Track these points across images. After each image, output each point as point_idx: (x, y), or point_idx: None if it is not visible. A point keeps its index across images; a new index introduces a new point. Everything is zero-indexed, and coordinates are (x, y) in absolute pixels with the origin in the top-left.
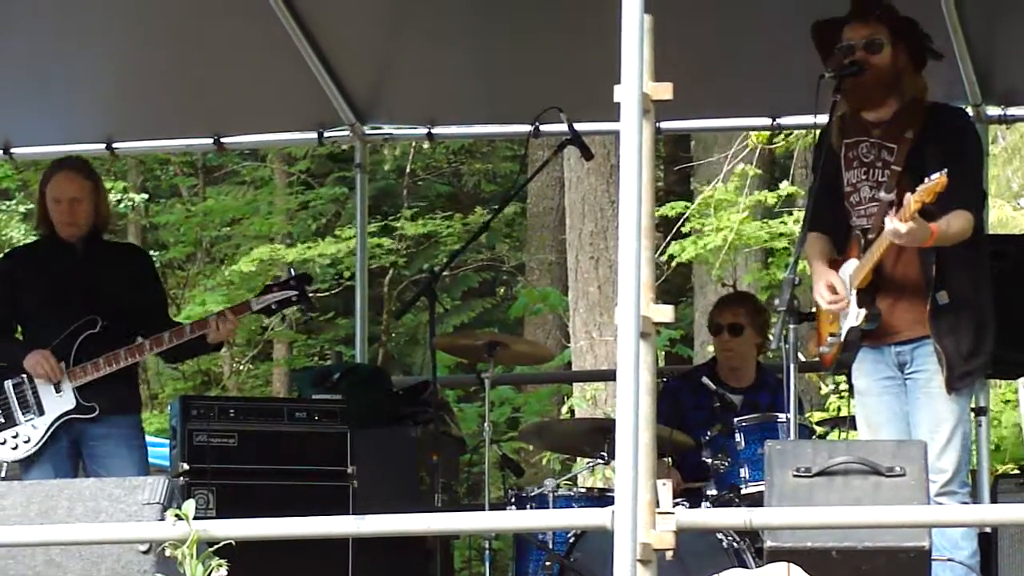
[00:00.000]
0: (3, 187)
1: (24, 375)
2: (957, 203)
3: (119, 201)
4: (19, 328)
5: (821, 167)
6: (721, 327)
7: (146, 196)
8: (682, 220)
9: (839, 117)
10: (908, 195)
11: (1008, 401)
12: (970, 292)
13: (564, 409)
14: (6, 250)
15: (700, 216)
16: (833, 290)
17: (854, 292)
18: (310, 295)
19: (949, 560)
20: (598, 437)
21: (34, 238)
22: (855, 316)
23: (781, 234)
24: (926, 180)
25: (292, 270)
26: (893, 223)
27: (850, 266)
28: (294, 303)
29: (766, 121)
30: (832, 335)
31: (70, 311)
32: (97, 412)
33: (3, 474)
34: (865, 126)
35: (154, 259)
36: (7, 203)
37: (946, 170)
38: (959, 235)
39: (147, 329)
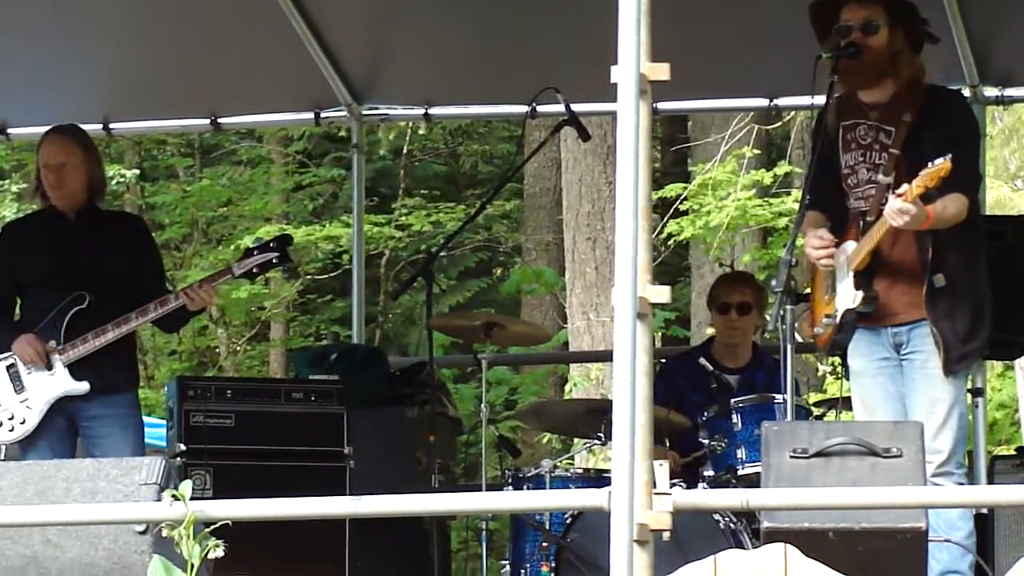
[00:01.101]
0: None
1: (16, 356)
2: (954, 186)
3: (111, 178)
4: (19, 302)
5: (819, 148)
6: (729, 306)
7: (138, 171)
8: (680, 199)
9: (836, 99)
10: (906, 185)
11: (1002, 375)
12: (967, 274)
13: (567, 388)
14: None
15: (698, 195)
16: (820, 238)
17: (851, 274)
18: (291, 255)
19: (946, 541)
20: (595, 418)
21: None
22: (852, 298)
23: (781, 214)
24: (930, 165)
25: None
26: (897, 202)
27: (848, 248)
28: (275, 265)
29: (763, 102)
30: (827, 316)
31: (64, 286)
32: (90, 390)
33: (2, 456)
34: (862, 108)
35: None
36: (2, 183)
37: (950, 156)
38: (955, 218)
39: (144, 297)
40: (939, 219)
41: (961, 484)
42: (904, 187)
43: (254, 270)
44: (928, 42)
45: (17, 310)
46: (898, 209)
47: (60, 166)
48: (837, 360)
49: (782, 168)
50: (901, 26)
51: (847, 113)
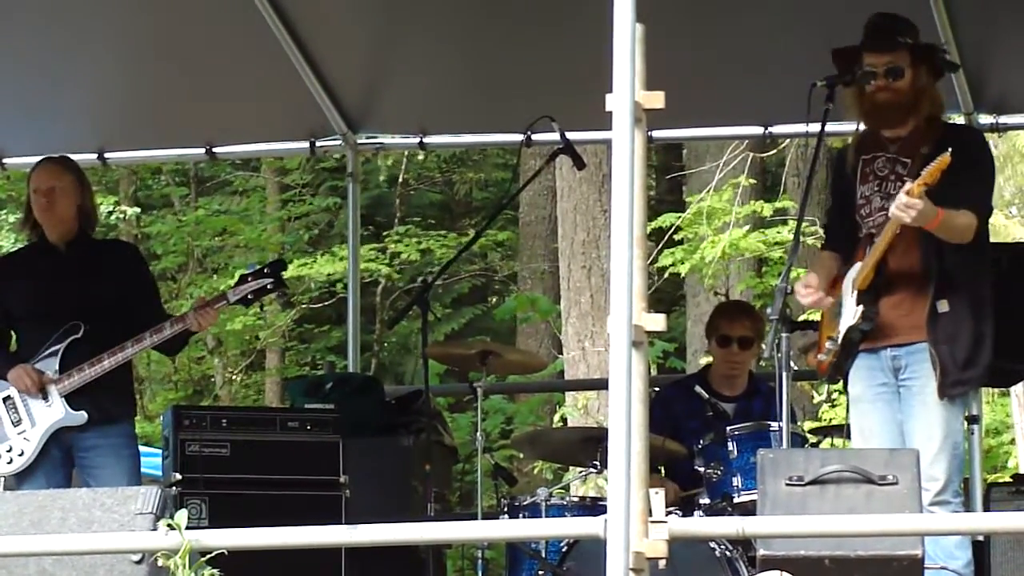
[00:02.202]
0: None
1: (12, 388)
2: (966, 204)
3: (110, 213)
4: (15, 335)
5: (835, 187)
6: (730, 339)
7: (139, 209)
8: (673, 229)
9: (858, 136)
10: (910, 183)
11: (992, 402)
12: (971, 302)
13: (556, 418)
14: None
15: (693, 225)
16: (806, 285)
17: (855, 293)
18: (285, 281)
19: (942, 568)
20: (590, 446)
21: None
22: (852, 315)
23: (776, 243)
24: (931, 164)
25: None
26: (903, 197)
27: (855, 269)
28: (270, 291)
29: (758, 130)
30: (830, 339)
31: (58, 317)
32: (87, 420)
33: (0, 488)
34: (883, 142)
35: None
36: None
37: (950, 150)
38: (962, 231)
39: (141, 323)
40: (947, 224)
41: (958, 512)
42: (908, 184)
43: (249, 296)
44: (949, 71)
45: (13, 343)
46: (905, 203)
47: (49, 190)
48: (834, 388)
49: (783, 201)
50: (924, 63)
51: (867, 148)
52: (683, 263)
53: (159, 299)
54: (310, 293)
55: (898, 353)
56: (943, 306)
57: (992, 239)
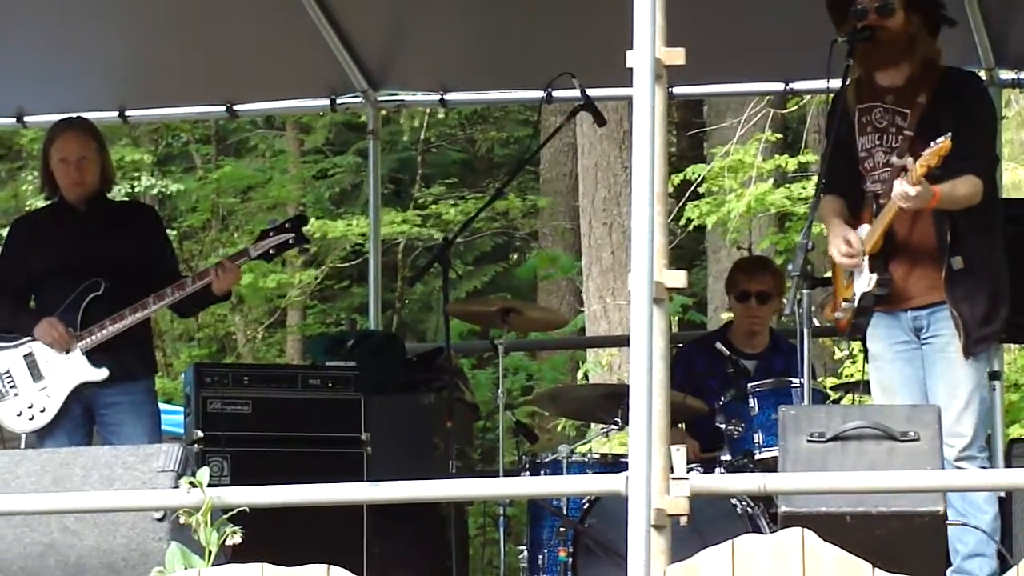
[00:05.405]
0: (19, 154)
1: (34, 344)
2: (966, 168)
3: (136, 172)
4: (33, 295)
5: (835, 131)
6: (749, 294)
7: (161, 176)
8: (699, 181)
9: (855, 81)
10: (909, 160)
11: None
12: (985, 257)
13: (579, 375)
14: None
15: (716, 178)
16: (848, 243)
17: (866, 257)
18: (306, 236)
19: (963, 524)
20: (612, 403)
21: (41, 204)
22: (867, 281)
23: (799, 199)
24: (932, 144)
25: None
26: (902, 186)
27: (862, 231)
28: (291, 246)
29: (779, 86)
30: (846, 300)
31: (78, 275)
32: (108, 376)
33: (22, 446)
34: (879, 91)
35: (168, 228)
36: (22, 172)
37: (950, 134)
38: (966, 199)
39: (159, 284)
40: (947, 199)
41: (984, 468)
42: (908, 162)
43: (271, 251)
44: (945, 25)
45: (32, 303)
46: (901, 193)
47: (80, 160)
48: (855, 344)
49: (806, 156)
50: (917, 10)
51: (864, 96)
52: (709, 215)
53: (176, 261)
54: (341, 253)
55: (919, 315)
56: (958, 263)
57: (1014, 194)
